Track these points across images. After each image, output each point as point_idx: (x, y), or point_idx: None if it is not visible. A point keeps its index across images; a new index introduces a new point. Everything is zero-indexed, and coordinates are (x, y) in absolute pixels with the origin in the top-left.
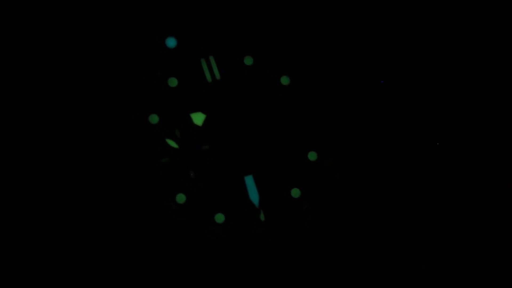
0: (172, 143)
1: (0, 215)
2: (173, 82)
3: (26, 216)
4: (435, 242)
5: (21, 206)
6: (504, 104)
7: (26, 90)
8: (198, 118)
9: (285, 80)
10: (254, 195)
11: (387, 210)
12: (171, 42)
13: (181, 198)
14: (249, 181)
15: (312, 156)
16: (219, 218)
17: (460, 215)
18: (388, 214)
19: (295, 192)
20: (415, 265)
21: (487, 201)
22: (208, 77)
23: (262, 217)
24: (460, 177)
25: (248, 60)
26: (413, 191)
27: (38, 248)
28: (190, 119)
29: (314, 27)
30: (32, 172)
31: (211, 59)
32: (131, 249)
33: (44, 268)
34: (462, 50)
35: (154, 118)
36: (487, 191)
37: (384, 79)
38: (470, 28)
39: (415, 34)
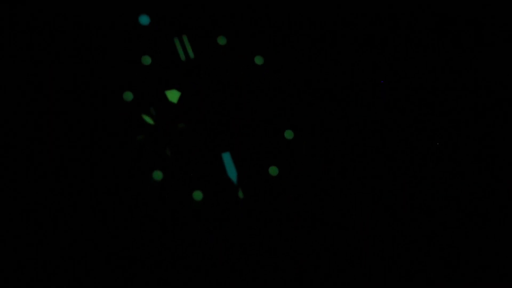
0: (148, 119)
1: None
2: (146, 60)
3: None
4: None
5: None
6: (504, 104)
7: None
8: (173, 96)
9: (259, 60)
10: (232, 172)
11: (366, 187)
12: (144, 20)
13: (158, 175)
14: (227, 158)
15: (288, 134)
16: (197, 195)
17: (448, 213)
18: (368, 192)
19: (273, 170)
20: (391, 249)
21: (483, 201)
22: (182, 56)
23: (240, 194)
24: (447, 175)
25: (222, 40)
26: (388, 171)
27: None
28: (165, 97)
29: (289, 6)
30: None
31: (184, 38)
32: (109, 230)
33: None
34: (462, 50)
35: (128, 95)
36: (484, 192)
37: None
38: (470, 28)
39: (406, 30)
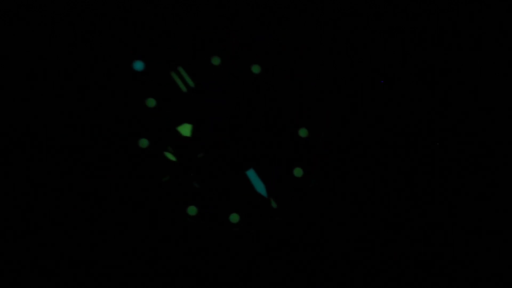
0: (171, 156)
1: None
2: (151, 102)
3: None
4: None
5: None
6: (504, 104)
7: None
8: (185, 130)
9: (256, 69)
10: (260, 187)
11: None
12: (138, 65)
13: (192, 210)
14: (251, 174)
15: (303, 132)
16: (234, 218)
17: (456, 215)
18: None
19: (298, 172)
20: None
21: (485, 202)
22: (183, 88)
23: (273, 204)
24: (458, 177)
25: (216, 61)
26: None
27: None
28: (178, 133)
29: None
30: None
31: (181, 69)
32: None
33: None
34: (461, 50)
35: (143, 142)
36: (485, 192)
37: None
38: (470, 28)
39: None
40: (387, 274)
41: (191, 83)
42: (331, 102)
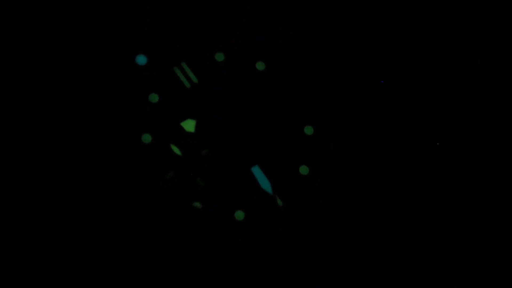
0: (176, 150)
1: None
2: (154, 97)
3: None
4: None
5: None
6: (503, 104)
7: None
8: (189, 125)
9: (260, 66)
10: (265, 184)
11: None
12: (141, 59)
13: (197, 205)
14: (257, 171)
15: (308, 130)
16: (239, 215)
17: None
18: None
19: (304, 169)
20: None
21: (485, 203)
22: (186, 83)
23: (279, 202)
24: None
25: (220, 57)
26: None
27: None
28: (182, 129)
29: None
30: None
31: (184, 65)
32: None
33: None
34: (461, 50)
35: (147, 137)
36: (485, 192)
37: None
38: (470, 28)
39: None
40: (391, 274)
41: (194, 79)
42: (334, 101)
